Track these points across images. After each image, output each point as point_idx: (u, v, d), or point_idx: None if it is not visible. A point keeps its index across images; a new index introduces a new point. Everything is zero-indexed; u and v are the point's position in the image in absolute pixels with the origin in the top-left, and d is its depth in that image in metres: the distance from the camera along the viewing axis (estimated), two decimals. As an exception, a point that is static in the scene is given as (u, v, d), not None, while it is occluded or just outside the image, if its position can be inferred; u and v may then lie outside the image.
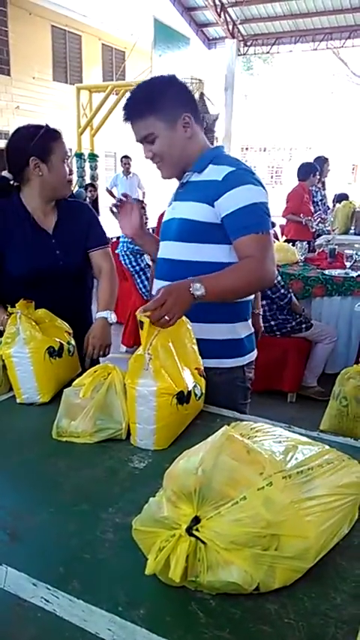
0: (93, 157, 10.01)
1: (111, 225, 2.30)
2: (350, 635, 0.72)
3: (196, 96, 9.84)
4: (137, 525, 0.81)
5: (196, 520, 0.77)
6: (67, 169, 1.73)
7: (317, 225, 5.26)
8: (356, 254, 3.93)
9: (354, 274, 3.67)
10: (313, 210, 5.48)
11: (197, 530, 0.77)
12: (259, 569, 0.77)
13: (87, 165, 9.92)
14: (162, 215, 3.21)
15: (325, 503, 0.85)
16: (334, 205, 5.94)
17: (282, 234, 6.76)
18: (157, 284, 1.54)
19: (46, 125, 1.68)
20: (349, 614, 0.76)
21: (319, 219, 5.42)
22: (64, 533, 0.92)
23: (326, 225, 5.32)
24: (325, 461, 0.93)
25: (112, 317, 1.83)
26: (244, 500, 0.77)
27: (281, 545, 0.78)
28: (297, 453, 0.90)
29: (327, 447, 0.99)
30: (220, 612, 0.77)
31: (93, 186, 8.56)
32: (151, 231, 1.85)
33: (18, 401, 1.45)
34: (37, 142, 1.64)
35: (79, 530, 0.93)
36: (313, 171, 5.35)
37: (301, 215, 5.26)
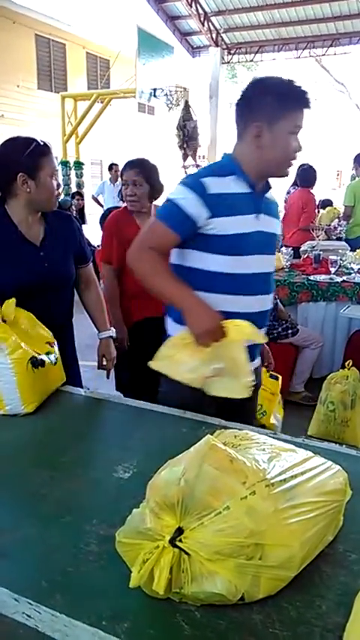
0: (79, 164, 10.00)
1: (96, 233, 2.32)
2: (334, 644, 0.72)
3: (181, 104, 9.91)
4: (120, 537, 0.81)
5: (180, 531, 0.77)
6: (56, 184, 1.72)
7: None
8: (340, 259, 3.96)
9: (338, 280, 3.69)
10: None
11: (181, 541, 0.76)
12: (243, 579, 0.77)
13: (73, 173, 9.92)
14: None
15: (308, 510, 0.85)
16: (318, 211, 5.98)
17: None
18: (255, 300, 1.55)
19: (36, 140, 1.65)
20: (333, 623, 0.76)
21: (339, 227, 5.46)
22: (47, 547, 0.91)
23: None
24: (308, 468, 0.93)
25: (113, 332, 1.97)
26: (227, 510, 0.76)
27: (265, 555, 0.78)
28: (280, 461, 0.90)
29: (311, 453, 0.99)
30: (205, 624, 0.76)
31: (80, 194, 8.54)
32: None
33: (1, 412, 1.43)
34: (26, 158, 1.61)
35: (62, 543, 0.92)
36: (314, 175, 5.38)
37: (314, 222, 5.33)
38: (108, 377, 2.04)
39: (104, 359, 1.94)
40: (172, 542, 0.76)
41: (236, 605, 0.78)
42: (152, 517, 0.78)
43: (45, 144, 1.67)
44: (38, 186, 1.64)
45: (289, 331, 3.35)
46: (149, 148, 14.63)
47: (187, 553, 0.76)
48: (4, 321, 1.46)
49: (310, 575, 0.84)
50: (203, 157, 15.58)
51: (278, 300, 3.36)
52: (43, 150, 1.65)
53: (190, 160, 10.41)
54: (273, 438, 1.08)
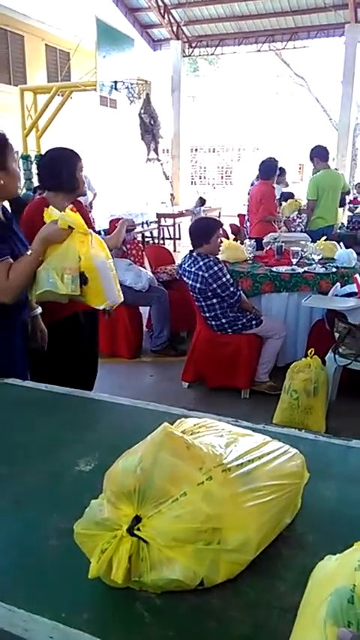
0: (40, 159, 9.83)
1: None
2: (291, 624, 0.72)
3: (143, 97, 9.84)
4: (78, 529, 0.80)
5: (137, 519, 0.77)
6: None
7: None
8: (302, 251, 4.03)
9: (300, 270, 3.75)
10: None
11: (139, 529, 0.76)
12: (202, 565, 0.77)
13: (34, 167, 9.73)
14: (116, 220, 3.19)
15: (265, 494, 0.86)
16: (280, 203, 6.06)
17: (232, 232, 6.86)
18: None
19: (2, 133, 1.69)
20: (291, 602, 0.76)
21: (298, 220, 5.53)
22: (6, 542, 0.90)
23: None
24: (265, 452, 0.94)
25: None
26: (184, 497, 0.77)
27: (223, 539, 0.78)
28: (238, 446, 0.91)
29: (268, 438, 1.01)
30: (165, 610, 0.76)
31: (41, 191, 8.39)
32: (102, 233, 1.89)
33: (102, 307, 1.83)
34: None
35: (21, 538, 0.90)
36: (274, 169, 5.42)
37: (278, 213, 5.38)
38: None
39: (40, 336, 2.01)
40: (130, 531, 0.76)
41: (196, 590, 0.78)
42: (109, 507, 0.78)
43: (3, 133, 1.69)
44: (8, 175, 1.68)
45: (254, 322, 3.39)
46: (112, 142, 14.49)
47: (145, 541, 0.76)
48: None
49: (269, 558, 0.85)
50: (167, 152, 15.55)
51: (241, 292, 3.39)
52: (6, 139, 1.67)
53: (153, 154, 10.37)
54: (233, 425, 1.09)
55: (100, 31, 8.42)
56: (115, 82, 8.99)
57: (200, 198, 10.32)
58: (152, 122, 10.00)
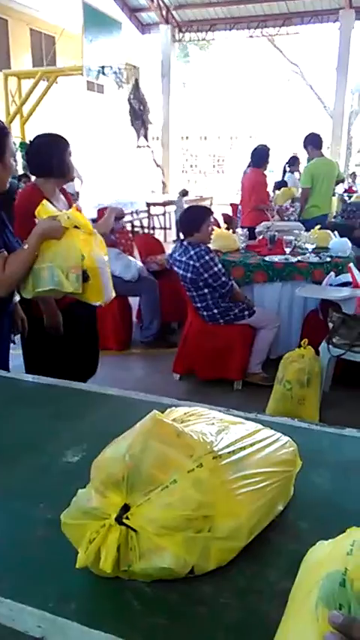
0: (24, 145, 9.70)
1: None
2: (282, 608, 0.72)
3: (131, 82, 9.74)
4: (66, 519, 0.79)
5: (126, 508, 0.75)
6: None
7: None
8: (295, 240, 4.01)
9: (294, 260, 3.74)
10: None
11: (127, 518, 0.75)
12: (192, 552, 0.76)
13: (19, 154, 9.61)
14: (104, 209, 3.15)
15: (257, 481, 0.85)
16: (274, 192, 6.04)
17: (224, 222, 6.82)
18: None
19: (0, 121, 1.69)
20: (282, 589, 0.76)
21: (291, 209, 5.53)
22: (-8, 533, 0.88)
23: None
24: (258, 440, 0.93)
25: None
26: (174, 484, 0.76)
27: (214, 526, 0.77)
28: (229, 434, 0.90)
29: (260, 426, 1.00)
30: (155, 599, 0.75)
31: (27, 176, 8.29)
32: (91, 222, 1.89)
33: (98, 303, 1.87)
34: None
35: (8, 529, 0.89)
36: (266, 156, 5.38)
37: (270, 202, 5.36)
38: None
39: (20, 322, 2.07)
40: (119, 519, 0.75)
41: (186, 578, 0.77)
42: (97, 496, 0.77)
43: (3, 125, 1.68)
44: (5, 168, 1.70)
45: (246, 312, 3.38)
46: (100, 128, 14.31)
47: (134, 530, 0.75)
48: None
49: (260, 545, 0.84)
50: (157, 139, 15.42)
51: (233, 282, 3.37)
52: (6, 130, 1.67)
53: (142, 140, 10.29)
54: (225, 414, 1.08)
55: (86, 15, 8.29)
56: (103, 67, 8.89)
57: (183, 189, 10.25)
58: (142, 108, 9.93)
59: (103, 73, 9.13)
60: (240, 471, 0.84)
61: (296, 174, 7.33)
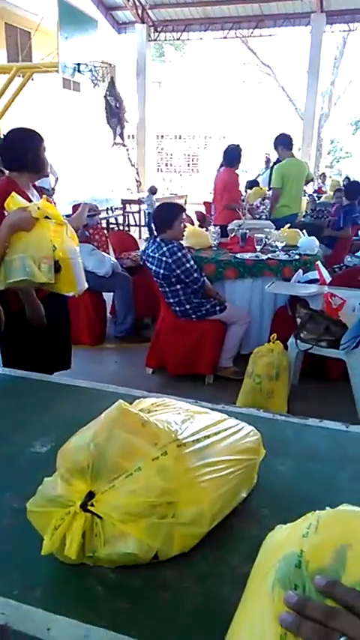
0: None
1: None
2: (242, 592, 0.74)
3: (107, 80, 9.69)
4: (31, 507, 0.79)
5: (91, 495, 0.76)
6: None
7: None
8: (266, 238, 4.06)
9: (264, 257, 3.79)
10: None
11: (92, 505, 0.76)
12: (156, 538, 0.78)
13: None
14: (79, 205, 3.14)
15: (220, 468, 0.86)
16: (246, 191, 6.09)
17: (197, 220, 6.86)
18: None
19: None
20: (242, 572, 0.77)
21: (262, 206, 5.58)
22: None
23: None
24: (222, 429, 0.95)
25: None
26: (138, 471, 0.77)
27: (178, 513, 0.79)
28: (194, 423, 0.92)
29: (225, 416, 1.02)
30: (119, 584, 0.77)
31: (2, 172, 8.18)
32: (64, 217, 1.90)
33: (71, 294, 1.89)
34: None
35: (-27, 519, 0.89)
36: (238, 156, 5.42)
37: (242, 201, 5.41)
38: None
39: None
40: (84, 506, 0.75)
41: (150, 564, 0.79)
42: (63, 484, 0.78)
43: None
44: None
45: (217, 308, 3.42)
46: (75, 126, 14.19)
47: (99, 516, 0.76)
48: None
49: (223, 531, 0.86)
50: (133, 137, 15.38)
51: (205, 278, 3.40)
52: None
53: (118, 138, 10.25)
54: (192, 404, 1.10)
55: (62, 11, 8.22)
56: (78, 64, 8.83)
57: (151, 187, 10.25)
58: (118, 106, 9.88)
59: (79, 71, 9.06)
60: (204, 459, 0.85)
61: None
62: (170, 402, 1.05)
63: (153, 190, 10.11)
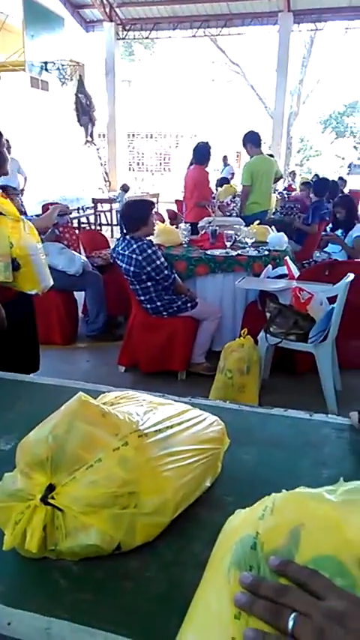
0: None
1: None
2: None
3: (75, 79, 9.61)
4: (-9, 502, 0.78)
5: (51, 488, 0.76)
6: None
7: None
8: (236, 235, 4.09)
9: (234, 253, 3.82)
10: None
11: (53, 498, 0.76)
12: (118, 529, 0.78)
13: None
14: (50, 204, 3.12)
15: (183, 458, 0.87)
16: (216, 189, 6.12)
17: (169, 218, 6.87)
18: None
19: None
20: (205, 559, 0.78)
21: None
22: None
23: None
24: (186, 419, 0.96)
25: None
26: (99, 463, 0.77)
27: (140, 503, 0.79)
28: (156, 414, 0.92)
29: (189, 406, 1.02)
30: (82, 576, 0.77)
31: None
32: (34, 217, 1.88)
33: (35, 292, 1.86)
34: None
35: None
36: (208, 154, 5.42)
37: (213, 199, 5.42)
38: None
39: None
40: (44, 499, 0.75)
41: (113, 555, 0.79)
42: (22, 478, 0.77)
43: None
44: None
45: (188, 304, 3.43)
46: (45, 125, 14.04)
47: (60, 509, 0.76)
48: None
49: (187, 520, 0.87)
50: (103, 137, 15.28)
51: (176, 275, 3.41)
52: None
53: (89, 137, 10.18)
54: (158, 397, 1.10)
55: (27, 9, 8.13)
56: (46, 63, 8.73)
57: (123, 184, 10.23)
58: (89, 103, 9.82)
59: (46, 70, 8.98)
60: (166, 449, 0.86)
61: None
62: (134, 394, 1.05)
63: (125, 188, 10.08)
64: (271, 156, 6.13)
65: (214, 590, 0.59)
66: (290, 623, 0.48)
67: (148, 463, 0.81)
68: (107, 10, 13.50)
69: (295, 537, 0.57)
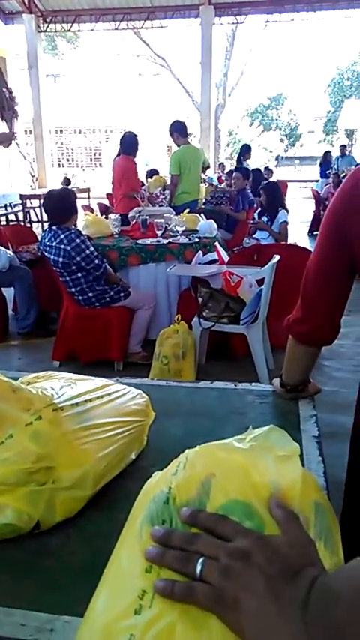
0: None
1: None
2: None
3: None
4: None
5: None
6: None
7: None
8: (166, 223, 4.09)
9: (165, 242, 3.82)
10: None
11: None
12: (36, 506, 0.75)
13: None
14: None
15: (103, 430, 0.85)
16: (146, 180, 6.10)
17: (100, 211, 6.78)
18: None
19: None
20: (128, 528, 0.78)
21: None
22: None
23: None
24: (106, 393, 0.94)
25: None
26: (10, 439, 0.74)
27: (58, 477, 0.77)
28: (74, 388, 0.89)
29: (111, 382, 1.00)
30: (1, 558, 0.73)
31: None
32: None
33: None
34: None
35: None
36: (135, 144, 5.37)
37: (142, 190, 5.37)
38: None
39: None
40: None
41: (33, 533, 0.76)
42: None
43: None
44: None
45: (122, 294, 3.40)
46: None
47: (-29, 491, 0.72)
48: None
49: (112, 493, 0.85)
50: (30, 132, 14.85)
51: (107, 265, 3.36)
52: None
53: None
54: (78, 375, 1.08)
55: None
56: None
57: (65, 178, 10.05)
58: (12, 97, 9.47)
59: None
60: (84, 422, 0.83)
61: (246, 162, 7.79)
62: (54, 374, 1.02)
63: (67, 182, 9.91)
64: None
65: (126, 548, 0.58)
66: (198, 568, 0.48)
67: (65, 437, 0.79)
68: (26, 1, 13.10)
69: (207, 487, 0.57)
